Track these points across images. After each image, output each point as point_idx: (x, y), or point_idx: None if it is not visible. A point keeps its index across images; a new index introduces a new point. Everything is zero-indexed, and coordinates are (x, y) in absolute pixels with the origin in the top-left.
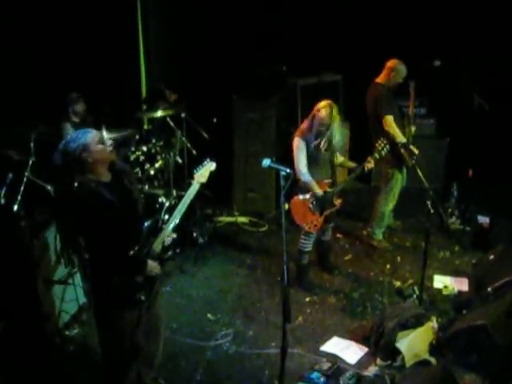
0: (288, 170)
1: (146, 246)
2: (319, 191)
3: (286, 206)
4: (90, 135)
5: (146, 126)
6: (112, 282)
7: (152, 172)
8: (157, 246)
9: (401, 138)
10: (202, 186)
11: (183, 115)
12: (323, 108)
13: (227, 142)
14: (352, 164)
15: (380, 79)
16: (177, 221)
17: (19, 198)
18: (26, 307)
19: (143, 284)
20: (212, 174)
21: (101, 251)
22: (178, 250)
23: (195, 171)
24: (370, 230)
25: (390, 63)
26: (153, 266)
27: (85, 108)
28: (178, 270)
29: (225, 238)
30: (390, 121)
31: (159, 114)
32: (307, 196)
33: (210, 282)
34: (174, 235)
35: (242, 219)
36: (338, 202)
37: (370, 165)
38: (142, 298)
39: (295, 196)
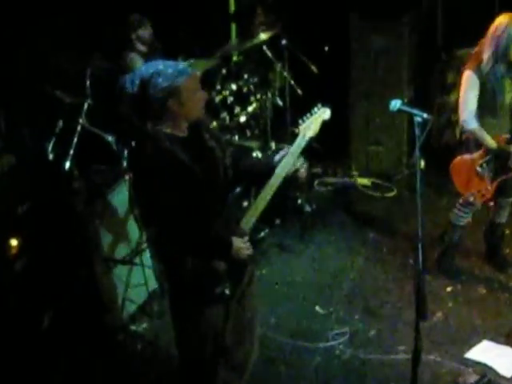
0: (425, 115)
1: (231, 221)
2: (493, 144)
3: (423, 164)
4: (187, 77)
5: (235, 57)
6: (185, 268)
7: (243, 118)
8: (246, 223)
9: None
10: (311, 140)
11: (284, 42)
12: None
13: (343, 79)
14: None
15: None
16: (270, 192)
17: (72, 152)
18: (81, 294)
19: (228, 272)
20: (324, 124)
21: (171, 226)
22: (277, 222)
23: (301, 121)
24: None
25: None
26: (240, 245)
27: (151, 33)
28: (277, 248)
29: (339, 206)
30: None
31: (255, 41)
32: (475, 155)
33: (319, 263)
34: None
35: (363, 181)
36: None
37: None
38: (227, 291)
39: (459, 155)
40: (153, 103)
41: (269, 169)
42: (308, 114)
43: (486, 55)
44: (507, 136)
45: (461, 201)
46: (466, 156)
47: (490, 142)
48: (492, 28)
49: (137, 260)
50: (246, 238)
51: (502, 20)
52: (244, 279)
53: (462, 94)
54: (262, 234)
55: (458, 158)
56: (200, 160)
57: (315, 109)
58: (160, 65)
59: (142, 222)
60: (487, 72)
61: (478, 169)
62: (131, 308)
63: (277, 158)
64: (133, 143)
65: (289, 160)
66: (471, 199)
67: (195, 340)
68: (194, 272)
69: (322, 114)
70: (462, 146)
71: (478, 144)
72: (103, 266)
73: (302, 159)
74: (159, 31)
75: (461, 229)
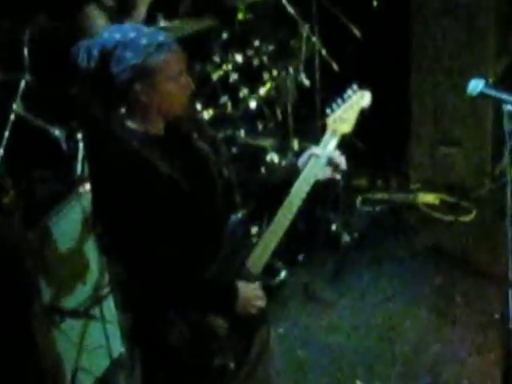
0: None
1: (234, 258)
2: None
3: None
4: (168, 54)
5: (240, 15)
6: (168, 326)
7: (253, 104)
8: (256, 261)
9: None
10: (345, 137)
11: None
12: None
13: (399, 47)
14: None
15: None
16: (291, 216)
17: (1, 152)
18: (14, 359)
19: (231, 334)
20: (364, 114)
21: (145, 263)
22: (301, 258)
23: (329, 111)
24: None
25: None
26: (250, 294)
27: None
28: (301, 297)
29: (392, 235)
30: None
31: None
32: None
33: (361, 318)
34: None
35: (427, 198)
36: None
37: None
38: (231, 364)
39: None
40: (115, 86)
41: (287, 182)
42: (339, 100)
43: None
44: None
45: None
46: None
47: None
48: None
49: (95, 312)
50: (257, 284)
51: None
52: (254, 345)
53: None
54: (281, 276)
55: None
56: (185, 169)
57: (349, 92)
58: (130, 31)
59: (104, 254)
60: None
61: None
62: (87, 382)
63: (300, 163)
64: (89, 140)
65: (313, 169)
66: None
67: None
68: (180, 333)
69: (360, 99)
70: None
71: None
72: (44, 320)
73: (334, 159)
74: None
75: None
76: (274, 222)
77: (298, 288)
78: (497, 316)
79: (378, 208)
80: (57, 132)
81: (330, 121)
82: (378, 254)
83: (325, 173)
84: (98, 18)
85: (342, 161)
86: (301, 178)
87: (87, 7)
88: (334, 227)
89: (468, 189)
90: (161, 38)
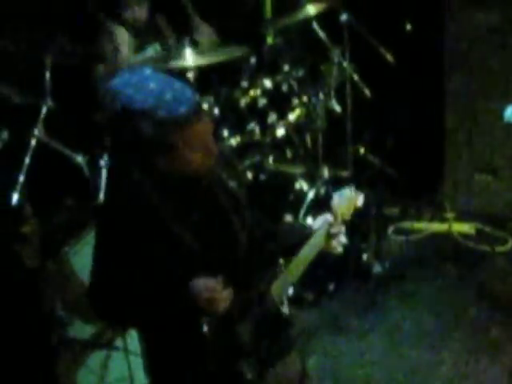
0: None
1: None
2: None
3: None
4: (192, 128)
5: (270, 40)
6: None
7: (282, 131)
8: (277, 291)
9: None
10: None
11: (345, 18)
12: None
13: (434, 73)
14: None
15: None
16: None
17: (22, 179)
18: None
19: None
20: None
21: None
22: (330, 288)
23: (335, 195)
24: None
25: None
26: (206, 287)
27: (146, 11)
28: (330, 329)
29: (426, 265)
30: None
31: (301, 16)
32: None
33: (393, 352)
34: None
35: (463, 227)
36: None
37: None
38: (249, 375)
39: None
40: (141, 142)
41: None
42: (339, 193)
43: None
44: None
45: None
46: None
47: None
48: None
49: (118, 342)
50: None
51: None
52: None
53: None
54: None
55: None
56: (201, 223)
57: (346, 189)
58: (150, 97)
59: None
60: None
61: None
62: None
63: (315, 225)
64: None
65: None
66: None
67: None
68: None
69: (352, 199)
70: None
71: None
72: (64, 351)
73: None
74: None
75: None
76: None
77: (327, 319)
78: None
79: (410, 238)
80: (79, 158)
81: (334, 203)
82: (411, 285)
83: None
84: (123, 44)
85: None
86: (311, 241)
87: (115, 30)
88: (365, 257)
89: (504, 218)
90: (182, 109)
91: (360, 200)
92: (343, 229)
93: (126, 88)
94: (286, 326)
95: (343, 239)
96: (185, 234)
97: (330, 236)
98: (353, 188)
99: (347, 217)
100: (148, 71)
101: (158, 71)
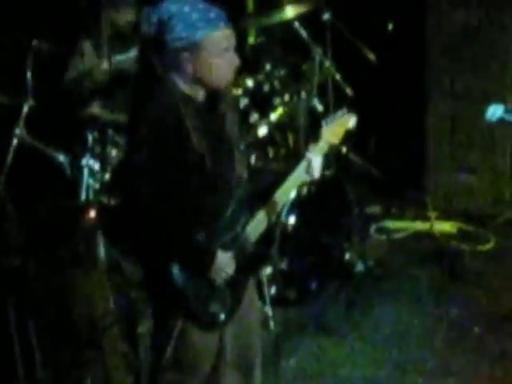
0: None
1: (231, 228)
2: None
3: None
4: (215, 31)
5: (252, 39)
6: (168, 275)
7: (264, 130)
8: (252, 232)
9: None
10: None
11: (326, 17)
12: None
13: (416, 72)
14: None
15: None
16: (282, 203)
17: (2, 178)
18: None
19: (226, 289)
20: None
21: (160, 219)
22: (313, 287)
23: (324, 122)
24: None
25: None
26: (224, 262)
27: (133, 17)
28: (312, 328)
29: (408, 264)
30: None
31: (283, 16)
32: None
33: (377, 350)
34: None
35: (444, 226)
36: None
37: None
38: (221, 316)
39: None
40: (167, 52)
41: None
42: (332, 116)
43: None
44: None
45: None
46: None
47: None
48: None
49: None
50: (231, 255)
51: None
52: (243, 301)
53: None
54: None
55: None
56: (209, 137)
57: (340, 112)
58: (186, 5)
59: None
60: None
61: None
62: None
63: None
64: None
65: (300, 169)
66: None
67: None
68: (181, 283)
69: (348, 120)
70: None
71: None
72: None
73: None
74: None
75: None
76: (269, 204)
77: (309, 318)
78: None
79: (393, 236)
80: (61, 158)
81: (323, 130)
82: (394, 284)
83: (307, 176)
84: (89, 56)
85: (317, 167)
86: (292, 175)
87: (81, 43)
88: (347, 256)
89: (486, 217)
90: (212, 14)
91: (352, 121)
92: (319, 159)
93: (161, 5)
94: (260, 264)
95: (319, 165)
96: (205, 153)
97: (308, 167)
98: (345, 110)
99: (338, 139)
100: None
101: None
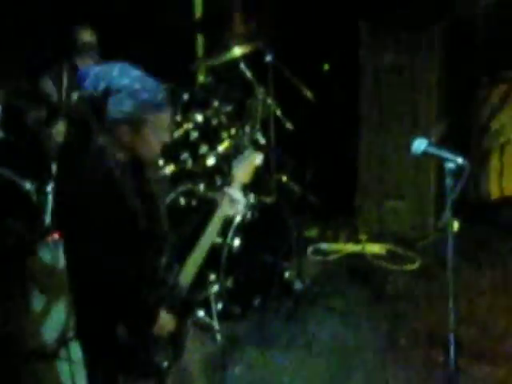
0: (459, 160)
1: (165, 282)
2: None
3: (456, 226)
4: (158, 114)
5: (201, 78)
6: (115, 334)
7: (212, 161)
8: (185, 279)
9: None
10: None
11: (269, 59)
12: None
13: (348, 108)
14: None
15: None
16: (209, 243)
17: None
18: None
19: (168, 343)
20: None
21: (103, 280)
22: (256, 303)
23: (234, 164)
24: None
25: None
26: (166, 320)
27: (95, 42)
28: (255, 340)
29: (341, 282)
30: None
31: (229, 57)
32: None
33: (313, 360)
34: None
35: (374, 248)
36: None
37: None
38: (165, 363)
39: None
40: (107, 119)
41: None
42: (240, 155)
43: None
44: None
45: None
46: None
47: None
48: None
49: (62, 353)
50: (170, 316)
51: None
52: (180, 350)
53: None
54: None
55: None
56: (143, 201)
57: (247, 152)
58: (137, 81)
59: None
60: None
61: None
62: None
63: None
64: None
65: (223, 208)
66: None
67: None
68: (127, 339)
69: (252, 160)
70: None
71: None
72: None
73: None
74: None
75: None
76: (198, 247)
77: (253, 331)
78: (441, 358)
79: (328, 257)
80: (28, 185)
81: (234, 172)
82: (328, 300)
83: (232, 211)
84: (50, 91)
85: (240, 202)
86: (216, 214)
87: (46, 80)
88: (287, 275)
89: (413, 240)
90: (159, 97)
91: (258, 159)
92: (239, 194)
93: (111, 71)
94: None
95: (241, 202)
96: (139, 213)
97: (231, 203)
98: (251, 150)
99: (248, 178)
100: (126, 64)
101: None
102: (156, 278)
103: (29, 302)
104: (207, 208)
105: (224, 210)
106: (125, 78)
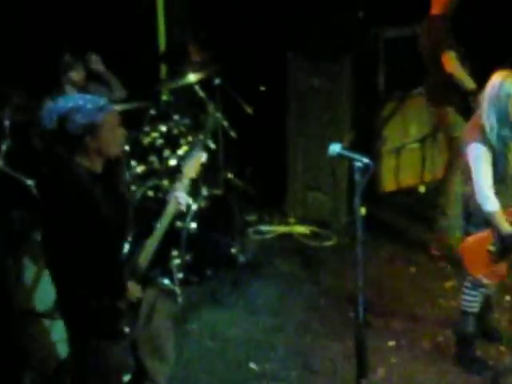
0: (365, 160)
1: (129, 261)
2: (508, 228)
3: (363, 211)
4: (107, 113)
5: (165, 97)
6: (88, 307)
7: (174, 162)
8: (142, 260)
9: (470, 84)
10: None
11: (217, 81)
12: None
13: (279, 120)
14: None
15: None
16: (162, 232)
17: None
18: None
19: (125, 311)
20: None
21: (75, 264)
22: (208, 273)
23: (183, 163)
24: (438, 226)
25: None
26: (134, 289)
27: (84, 75)
28: (209, 301)
29: (275, 256)
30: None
31: (186, 81)
32: (486, 233)
33: (253, 316)
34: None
35: (300, 229)
36: None
37: None
38: (126, 329)
39: (468, 235)
40: (71, 139)
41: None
42: (187, 157)
43: (488, 122)
44: None
45: (468, 283)
46: (478, 235)
47: (506, 227)
48: (487, 90)
49: (57, 314)
50: (138, 286)
51: (494, 79)
52: (142, 310)
53: (473, 172)
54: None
55: (469, 238)
56: (109, 198)
57: (194, 152)
58: (79, 99)
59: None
60: (495, 139)
61: (491, 248)
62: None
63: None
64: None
65: (173, 203)
66: (484, 280)
67: (97, 377)
68: (96, 310)
69: (201, 157)
70: (468, 220)
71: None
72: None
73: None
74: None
75: (472, 317)
76: (153, 235)
77: (207, 295)
78: (351, 314)
79: (264, 236)
80: (29, 182)
81: (184, 170)
82: (265, 270)
83: (177, 207)
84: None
85: (183, 199)
86: (167, 209)
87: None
88: (232, 250)
89: (329, 222)
90: (101, 102)
91: (203, 157)
92: (182, 194)
93: (58, 103)
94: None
95: (184, 198)
96: (107, 210)
97: (176, 200)
98: (198, 149)
99: (195, 173)
100: (69, 95)
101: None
102: (121, 258)
103: (23, 271)
104: (160, 206)
105: (171, 207)
106: (69, 103)
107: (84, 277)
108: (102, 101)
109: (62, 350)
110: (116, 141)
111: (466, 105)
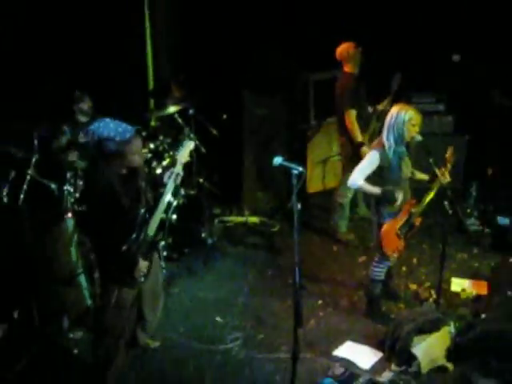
0: (300, 169)
1: (139, 236)
2: (377, 190)
3: (299, 206)
4: (131, 144)
5: (152, 123)
6: (117, 254)
7: (159, 170)
8: (150, 230)
9: (358, 138)
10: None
11: (191, 111)
12: (411, 111)
13: (237, 139)
14: (424, 176)
15: (346, 68)
16: (163, 206)
17: (22, 196)
18: (29, 308)
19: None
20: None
21: (102, 237)
22: (186, 251)
23: (176, 153)
24: (332, 223)
25: (347, 48)
26: (141, 268)
27: (91, 105)
28: (186, 272)
29: (235, 239)
30: (351, 116)
31: (168, 111)
32: (397, 219)
33: (219, 283)
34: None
35: (253, 219)
36: (418, 220)
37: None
38: (142, 279)
39: (384, 222)
40: (107, 155)
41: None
42: (180, 147)
43: (388, 142)
44: (413, 201)
45: (377, 259)
46: (389, 223)
47: (376, 190)
48: (387, 118)
49: (76, 281)
50: (146, 263)
51: (393, 110)
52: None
53: (362, 163)
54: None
55: (386, 224)
56: (128, 190)
57: (185, 141)
58: (112, 130)
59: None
60: (392, 154)
61: (399, 231)
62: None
63: (165, 178)
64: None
65: (170, 182)
66: (391, 254)
67: (114, 308)
68: (118, 270)
69: (189, 145)
70: (379, 210)
71: (390, 200)
72: (49, 285)
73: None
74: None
75: (379, 283)
76: (157, 209)
77: (184, 268)
78: (290, 281)
79: (226, 224)
80: (53, 186)
81: (178, 157)
82: (227, 249)
83: (176, 181)
84: (67, 135)
85: (179, 176)
86: (168, 184)
87: (62, 128)
88: (203, 235)
89: (273, 213)
90: (127, 135)
91: (192, 145)
92: (178, 170)
93: (98, 127)
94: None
95: (180, 175)
96: (125, 201)
97: (177, 177)
98: (188, 139)
99: (186, 158)
100: (107, 120)
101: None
102: (134, 233)
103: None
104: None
105: (171, 182)
106: (105, 131)
107: (110, 235)
108: (130, 131)
109: (87, 299)
110: (138, 159)
111: (355, 152)
